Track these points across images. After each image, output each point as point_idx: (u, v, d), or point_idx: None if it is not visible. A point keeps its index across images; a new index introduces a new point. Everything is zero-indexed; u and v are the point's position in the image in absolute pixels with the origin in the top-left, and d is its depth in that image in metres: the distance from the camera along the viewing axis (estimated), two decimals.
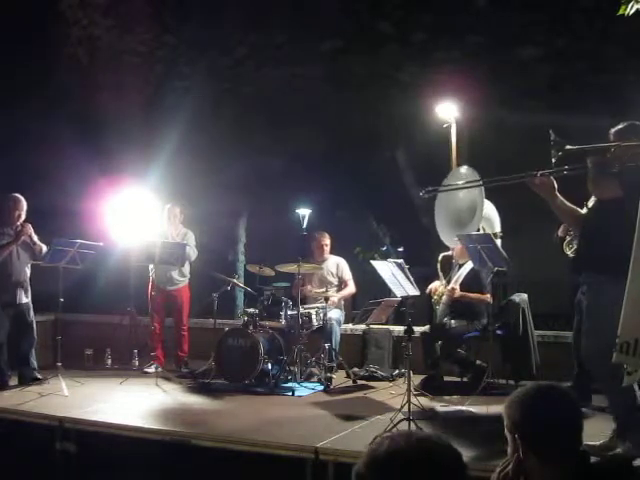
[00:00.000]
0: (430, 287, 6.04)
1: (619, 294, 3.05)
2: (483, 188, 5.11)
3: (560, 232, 5.01)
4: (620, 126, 3.89)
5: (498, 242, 5.47)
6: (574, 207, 4.05)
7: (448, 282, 5.92)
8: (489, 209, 5.53)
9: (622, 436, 3.55)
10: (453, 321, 5.75)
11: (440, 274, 5.98)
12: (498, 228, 5.64)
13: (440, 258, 5.97)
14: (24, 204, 6.05)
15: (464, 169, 5.58)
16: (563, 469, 1.83)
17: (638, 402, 3.51)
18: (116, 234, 7.21)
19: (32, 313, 6.12)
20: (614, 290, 3.20)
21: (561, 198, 3.94)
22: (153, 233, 6.74)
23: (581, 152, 3.80)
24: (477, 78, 8.47)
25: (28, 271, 6.12)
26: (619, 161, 3.69)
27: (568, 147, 3.80)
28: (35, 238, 6.05)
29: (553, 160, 3.83)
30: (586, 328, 3.88)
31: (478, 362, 5.72)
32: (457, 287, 5.76)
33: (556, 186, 3.90)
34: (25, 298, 6.06)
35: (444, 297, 5.85)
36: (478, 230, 5.35)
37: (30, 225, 6.03)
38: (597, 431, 3.77)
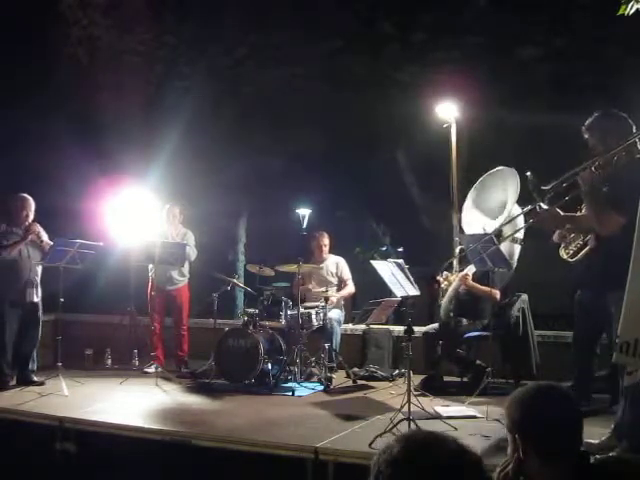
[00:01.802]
0: (444, 274, 6.03)
1: None
2: (518, 192, 5.02)
3: (555, 238, 4.93)
4: (590, 120, 3.80)
5: (517, 247, 5.46)
6: (584, 214, 3.99)
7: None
8: (515, 212, 5.47)
9: (623, 435, 3.54)
10: (461, 319, 5.74)
11: (456, 265, 5.97)
12: (520, 234, 5.59)
13: (458, 250, 5.98)
14: (32, 204, 6.08)
15: (509, 175, 5.43)
16: (563, 469, 1.83)
17: None
18: (116, 234, 7.21)
19: (40, 313, 6.13)
20: None
21: (569, 216, 3.89)
22: (153, 233, 6.74)
23: (566, 180, 3.73)
24: (477, 78, 8.47)
25: (39, 270, 6.13)
26: (610, 168, 3.65)
27: (543, 188, 3.70)
28: (45, 237, 6.07)
29: (543, 204, 3.75)
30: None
31: (478, 362, 5.72)
32: (470, 275, 5.75)
33: (561, 213, 3.84)
34: (36, 297, 6.07)
35: (455, 283, 5.83)
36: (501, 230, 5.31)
37: (38, 224, 6.05)
38: (597, 431, 3.78)
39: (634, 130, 3.67)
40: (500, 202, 5.53)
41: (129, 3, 9.83)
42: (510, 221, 5.11)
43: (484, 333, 5.58)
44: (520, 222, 5.19)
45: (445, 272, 6.03)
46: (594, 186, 3.62)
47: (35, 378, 6.04)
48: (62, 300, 6.06)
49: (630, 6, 4.42)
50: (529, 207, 3.95)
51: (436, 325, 5.91)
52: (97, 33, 10.08)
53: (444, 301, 5.92)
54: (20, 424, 4.89)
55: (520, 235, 5.58)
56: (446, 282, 5.95)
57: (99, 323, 8.02)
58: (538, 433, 1.85)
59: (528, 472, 1.87)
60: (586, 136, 3.86)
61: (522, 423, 1.87)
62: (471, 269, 5.82)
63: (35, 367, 6.17)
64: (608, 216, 3.59)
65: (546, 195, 3.72)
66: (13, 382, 6.01)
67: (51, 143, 9.54)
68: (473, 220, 5.70)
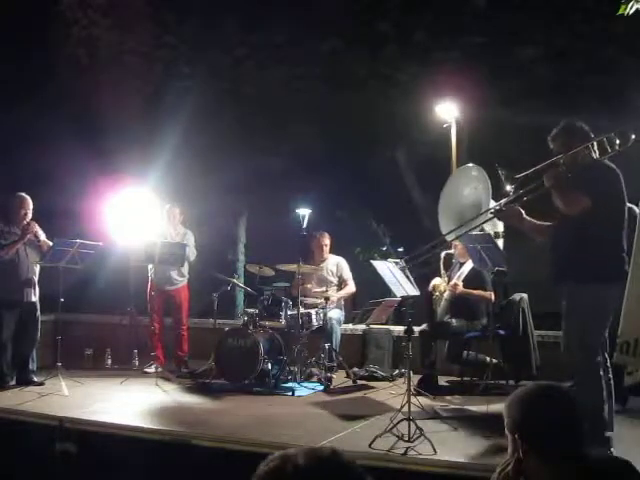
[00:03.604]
0: (432, 284, 6.03)
1: (597, 299, 3.11)
2: (490, 187, 5.11)
3: None
4: (554, 131, 4.01)
5: (500, 242, 5.45)
6: (542, 224, 4.13)
7: (449, 281, 5.91)
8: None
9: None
10: (454, 320, 5.74)
11: (442, 272, 5.97)
12: (500, 228, 5.62)
13: (443, 256, 5.97)
14: (30, 203, 6.07)
15: (475, 171, 5.47)
16: (563, 469, 1.83)
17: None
18: (116, 234, 7.20)
19: (39, 313, 6.13)
20: (591, 296, 3.28)
21: (530, 220, 4.04)
22: (153, 233, 6.74)
23: (535, 173, 3.89)
24: (477, 78, 8.47)
25: (37, 270, 6.13)
26: (573, 168, 3.78)
27: (516, 176, 3.93)
28: (42, 237, 6.06)
29: (510, 192, 3.95)
30: (563, 329, 3.90)
31: (481, 356, 5.69)
32: (460, 283, 5.75)
33: (523, 212, 3.99)
34: (33, 297, 6.07)
35: (446, 293, 5.84)
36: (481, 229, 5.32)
37: (36, 224, 6.04)
38: None
39: (592, 136, 3.89)
40: (472, 201, 5.50)
41: (129, 3, 9.83)
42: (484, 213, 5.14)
43: (484, 333, 5.59)
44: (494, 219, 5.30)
45: (433, 280, 6.03)
46: (559, 178, 3.77)
47: (35, 378, 6.04)
48: (62, 300, 6.07)
49: (630, 6, 4.43)
50: (502, 201, 4.08)
51: (430, 324, 5.91)
52: (97, 33, 10.07)
53: (439, 313, 5.92)
54: (20, 424, 4.89)
55: (500, 229, 5.60)
56: (437, 293, 5.94)
57: (99, 323, 8.02)
58: (538, 433, 1.85)
59: (528, 472, 1.87)
60: (551, 146, 4.03)
61: (522, 423, 1.87)
62: (462, 275, 5.81)
63: (35, 367, 6.17)
64: (572, 195, 3.74)
65: (517, 181, 3.92)
66: (13, 382, 6.01)
67: (51, 143, 9.52)
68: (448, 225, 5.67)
